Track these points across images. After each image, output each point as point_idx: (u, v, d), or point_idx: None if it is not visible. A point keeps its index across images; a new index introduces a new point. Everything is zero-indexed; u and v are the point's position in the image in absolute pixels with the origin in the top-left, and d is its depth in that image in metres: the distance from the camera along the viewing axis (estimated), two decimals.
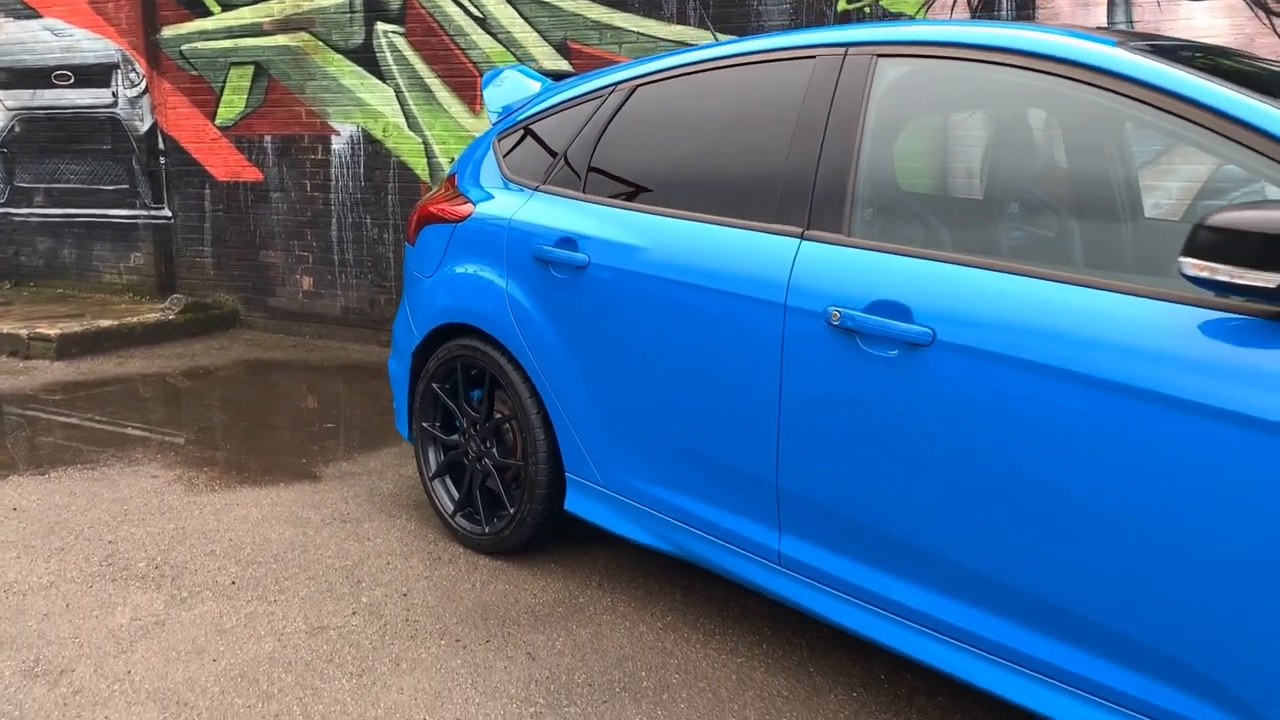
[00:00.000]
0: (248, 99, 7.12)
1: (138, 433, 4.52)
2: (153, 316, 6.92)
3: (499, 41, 6.23)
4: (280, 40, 6.93)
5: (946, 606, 2.08)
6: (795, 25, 5.50)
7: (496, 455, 3.15)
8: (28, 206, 8.31)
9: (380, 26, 6.59)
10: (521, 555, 3.16)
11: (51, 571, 3.02)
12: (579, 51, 6.02)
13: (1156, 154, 3.56)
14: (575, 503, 2.96)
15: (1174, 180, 3.76)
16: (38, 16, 7.92)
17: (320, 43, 6.79)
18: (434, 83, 6.46)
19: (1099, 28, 2.40)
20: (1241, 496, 1.66)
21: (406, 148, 6.56)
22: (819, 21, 5.47)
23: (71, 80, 7.88)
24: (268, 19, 6.94)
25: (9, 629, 2.64)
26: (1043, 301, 1.91)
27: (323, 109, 6.83)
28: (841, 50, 2.42)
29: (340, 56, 6.75)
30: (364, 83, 6.67)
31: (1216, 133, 1.83)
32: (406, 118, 6.55)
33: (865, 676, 2.47)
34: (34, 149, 8.16)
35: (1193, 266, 1.64)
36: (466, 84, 6.32)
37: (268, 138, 7.09)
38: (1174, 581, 1.75)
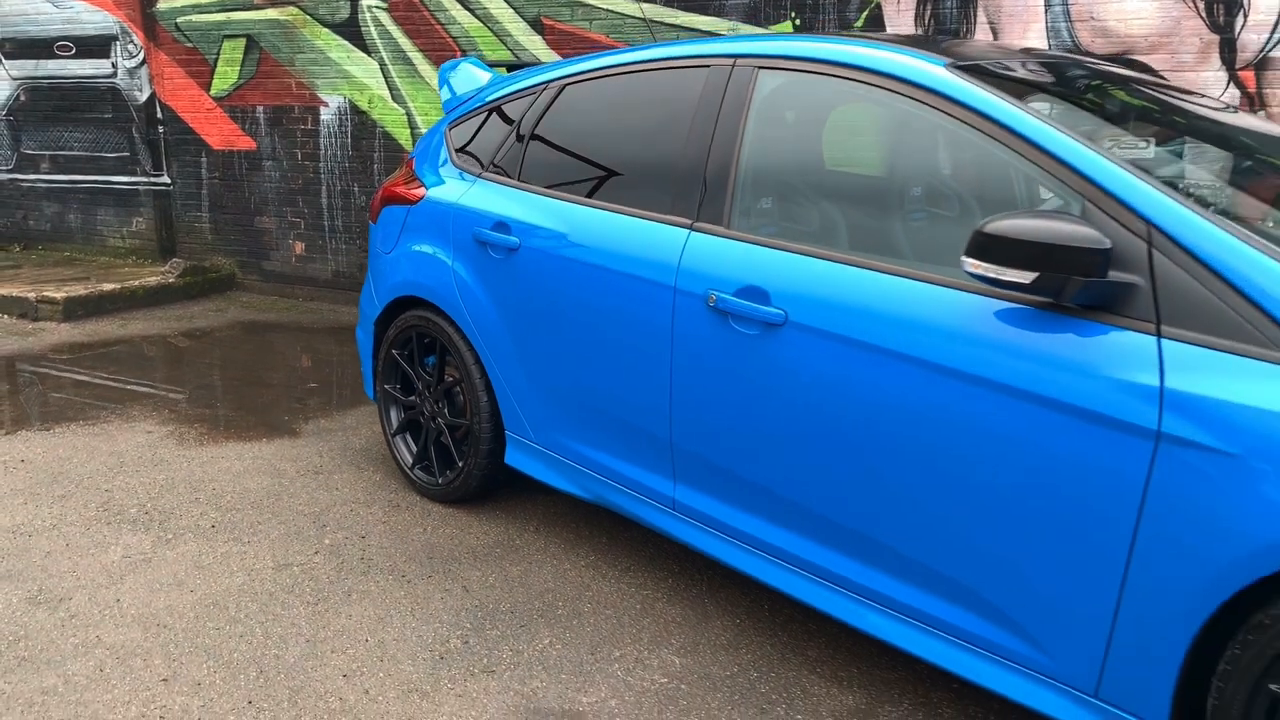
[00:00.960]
0: (240, 71, 7.44)
1: (136, 391, 4.92)
2: (153, 280, 7.30)
3: (476, 17, 6.52)
4: (270, 14, 7.22)
5: (799, 544, 2.46)
6: (755, 11, 5.79)
7: (448, 415, 3.53)
8: (34, 172, 8.67)
9: (365, 1, 6.88)
10: (470, 503, 3.55)
11: (54, 515, 3.42)
12: (552, 27, 6.31)
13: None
14: (513, 458, 3.34)
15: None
16: None
17: (308, 17, 7.09)
18: (416, 56, 6.76)
19: (951, 45, 2.71)
20: (1009, 454, 2.02)
21: (391, 119, 6.88)
22: (777, 7, 5.75)
23: (73, 51, 8.20)
24: None
25: (16, 564, 3.06)
26: (869, 289, 2.26)
27: (311, 81, 7.14)
28: (731, 61, 2.75)
29: (327, 30, 7.05)
30: (350, 56, 6.97)
31: (1003, 144, 2.16)
32: (390, 90, 6.85)
33: (751, 607, 2.86)
34: (39, 117, 8.50)
35: (971, 265, 1.99)
36: (446, 57, 6.61)
37: (260, 108, 7.41)
38: (963, 523, 2.12)
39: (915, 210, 2.43)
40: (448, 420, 3.53)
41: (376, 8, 6.85)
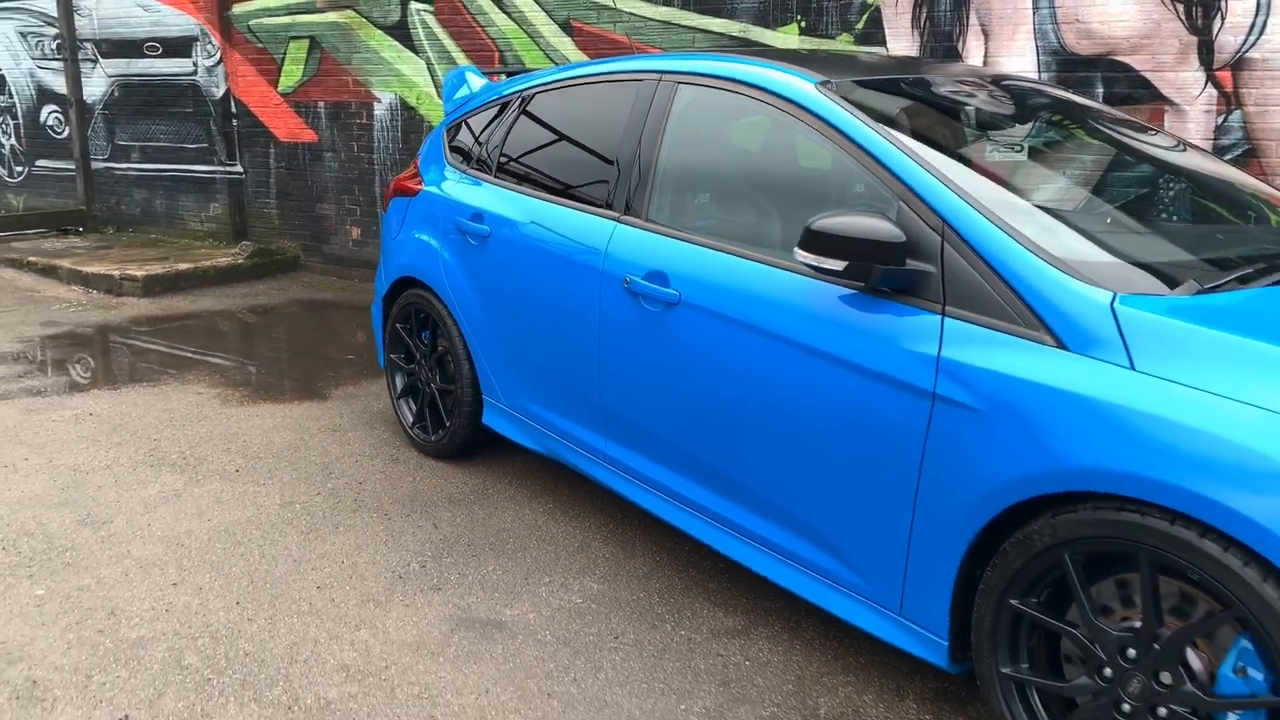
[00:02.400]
0: (304, 69, 8.10)
1: (195, 358, 5.58)
2: (224, 261, 8.03)
3: (513, 20, 7.03)
4: (330, 17, 7.85)
5: (690, 487, 2.90)
6: (764, 14, 6.17)
7: (439, 381, 4.05)
8: (126, 162, 9.52)
9: (414, 5, 7.45)
10: (458, 458, 4.07)
11: (109, 458, 4.05)
12: (580, 30, 6.79)
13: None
14: (489, 418, 3.84)
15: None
16: None
17: (364, 19, 7.70)
18: (459, 56, 7.30)
19: (844, 63, 3.09)
20: (832, 410, 2.43)
21: (436, 114, 7.44)
22: (784, 10, 6.13)
23: (160, 51, 8.98)
24: None
25: (73, 495, 3.68)
26: (739, 273, 2.68)
27: (366, 79, 7.75)
28: (658, 77, 3.19)
29: (380, 32, 7.65)
30: (400, 55, 7.56)
31: (846, 151, 2.55)
32: (436, 87, 7.41)
33: (673, 549, 3.31)
34: (130, 111, 9.33)
35: (800, 255, 2.40)
36: (486, 58, 7.15)
37: (321, 104, 8.07)
38: (800, 467, 2.54)
39: (782, 206, 2.83)
40: (439, 386, 4.04)
41: (424, 11, 7.41)
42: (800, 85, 2.74)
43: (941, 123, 2.88)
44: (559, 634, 2.79)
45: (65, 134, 9.79)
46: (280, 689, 2.51)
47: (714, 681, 2.58)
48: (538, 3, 6.90)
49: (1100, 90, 5.40)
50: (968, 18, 5.69)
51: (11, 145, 10.50)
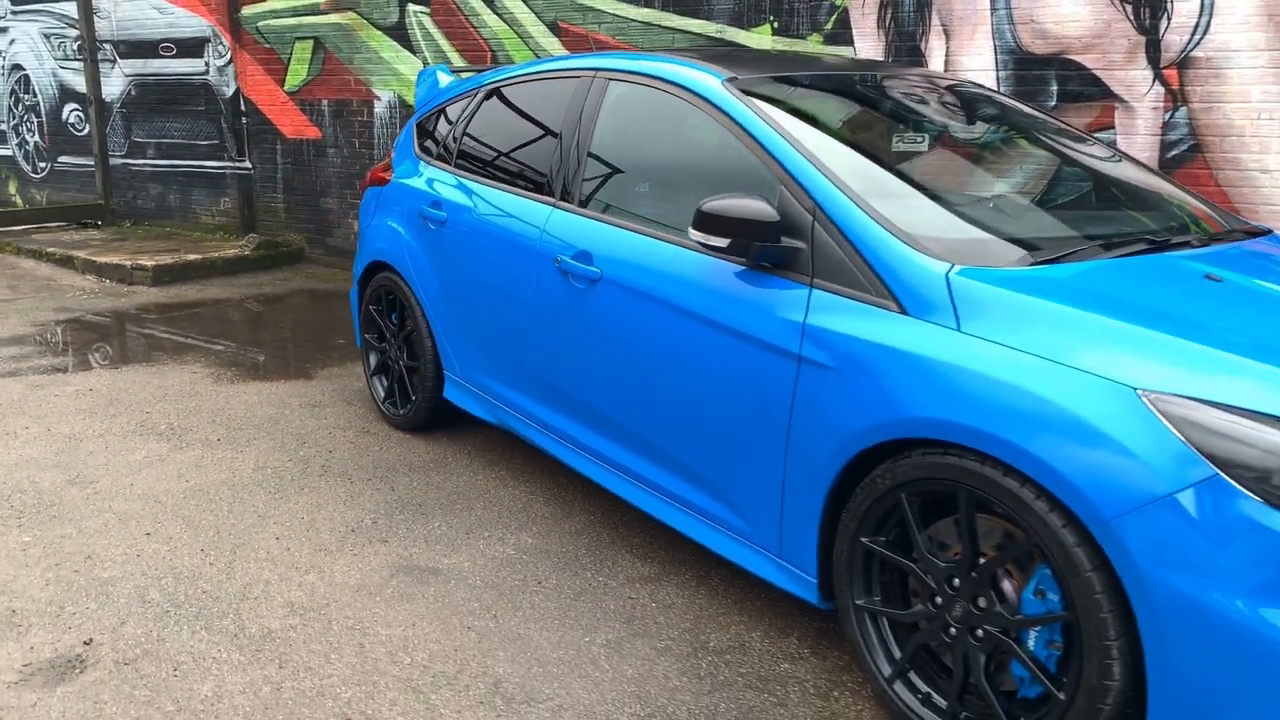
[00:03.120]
0: (309, 68, 8.44)
1: (194, 342, 5.92)
2: (232, 252, 8.39)
3: (504, 20, 7.33)
4: (334, 18, 8.19)
5: (610, 446, 3.18)
6: (739, 15, 6.43)
7: (406, 359, 4.35)
8: (142, 158, 9.92)
9: (411, 7, 7.77)
10: (425, 431, 4.36)
11: (103, 428, 4.38)
12: (566, 30, 7.07)
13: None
14: (449, 392, 4.13)
15: None
16: None
17: (365, 20, 8.03)
18: (453, 56, 7.61)
19: (749, 59, 3.35)
20: (721, 372, 2.70)
21: None
22: (758, 11, 6.38)
23: (174, 51, 9.37)
24: (323, 0, 8.21)
25: (65, 459, 4.01)
26: (647, 251, 2.96)
27: (367, 78, 8.08)
28: (594, 73, 3.46)
29: (380, 33, 7.98)
30: (398, 55, 7.88)
31: (742, 140, 2.82)
32: None
33: (608, 510, 3.58)
34: (145, 110, 9.72)
35: (693, 234, 2.67)
36: (478, 57, 7.45)
37: (324, 101, 8.41)
38: (696, 423, 2.80)
39: (691, 190, 3.09)
40: (406, 363, 4.34)
41: (420, 12, 7.73)
42: (708, 81, 3.01)
43: (833, 115, 3.13)
44: (488, 579, 3.07)
45: (85, 131, 10.20)
46: (230, 620, 2.81)
47: (620, 619, 2.85)
48: (527, 4, 7.20)
49: (1054, 88, 5.62)
50: (930, 19, 5.92)
51: (35, 142, 10.95)
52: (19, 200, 11.32)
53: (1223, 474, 1.82)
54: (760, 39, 6.36)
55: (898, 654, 2.38)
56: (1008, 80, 5.73)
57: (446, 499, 3.68)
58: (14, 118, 11.12)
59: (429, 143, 4.28)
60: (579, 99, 3.47)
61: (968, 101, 3.47)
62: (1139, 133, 5.47)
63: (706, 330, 2.74)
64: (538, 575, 3.11)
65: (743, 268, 2.69)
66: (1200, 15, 5.20)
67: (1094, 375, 2.00)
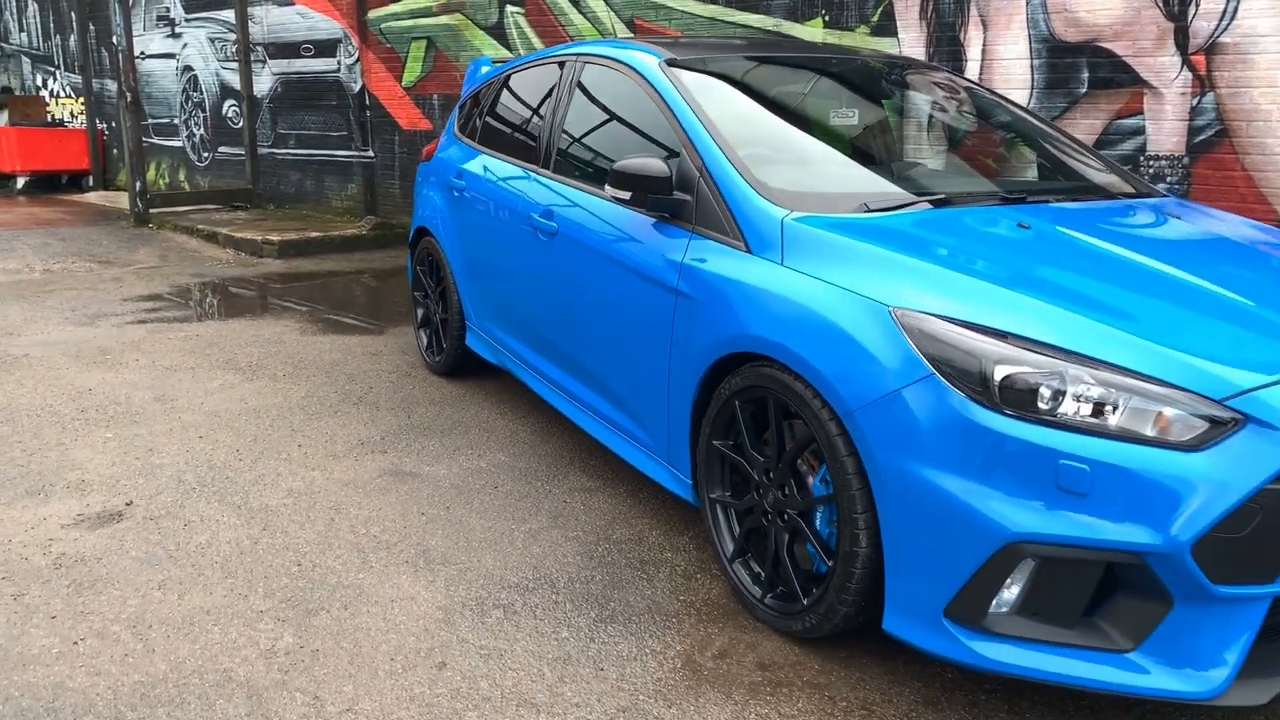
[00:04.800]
0: (423, 65, 9.29)
1: (296, 304, 6.78)
2: (350, 231, 9.34)
3: (586, 19, 7.94)
4: (443, 20, 9.01)
5: (563, 377, 3.71)
6: (794, 9, 6.82)
7: (441, 312, 5.00)
8: (285, 148, 11.06)
9: (509, 9, 8.49)
10: (454, 375, 5.00)
11: (195, 363, 5.22)
12: (642, 26, 7.62)
13: None
14: (469, 340, 4.75)
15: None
16: (291, 4, 10.52)
17: (469, 21, 8.80)
18: None
19: (702, 45, 3.79)
20: (629, 305, 3.18)
21: None
22: (810, 5, 6.76)
23: (312, 52, 10.44)
24: (435, 3, 9.04)
25: (158, 383, 4.84)
26: (589, 206, 3.47)
27: None
28: (576, 57, 4.00)
29: (482, 32, 8.74)
30: (497, 52, 8.60)
31: (664, 112, 3.29)
32: None
33: (581, 437, 4.11)
34: (288, 105, 10.85)
35: (608, 190, 3.16)
36: None
37: (435, 96, 9.24)
38: (612, 349, 3.30)
39: (630, 153, 3.58)
40: (441, 316, 4.99)
41: (516, 13, 8.44)
42: (648, 61, 3.50)
43: (746, 91, 3.55)
44: (455, 483, 3.66)
45: (240, 125, 11.44)
46: (239, 497, 3.50)
47: (548, 515, 3.38)
48: (607, 3, 7.78)
49: (1086, 75, 5.78)
50: (969, 10, 6.16)
51: (201, 134, 12.32)
52: (186, 185, 12.75)
53: (937, 373, 2.19)
54: (813, 31, 6.73)
55: (733, 539, 2.82)
56: (1041, 68, 5.91)
57: (449, 425, 4.29)
58: (184, 113, 12.54)
59: (463, 122, 4.92)
60: (563, 79, 4.01)
61: (888, 77, 3.83)
62: (1167, 118, 5.57)
63: (623, 272, 3.24)
64: (496, 482, 3.67)
65: (655, 219, 3.17)
66: (1228, 1, 5.27)
67: (862, 296, 2.40)
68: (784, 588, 2.65)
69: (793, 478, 2.59)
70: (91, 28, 13.54)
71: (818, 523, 2.54)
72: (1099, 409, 2.08)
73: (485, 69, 5.20)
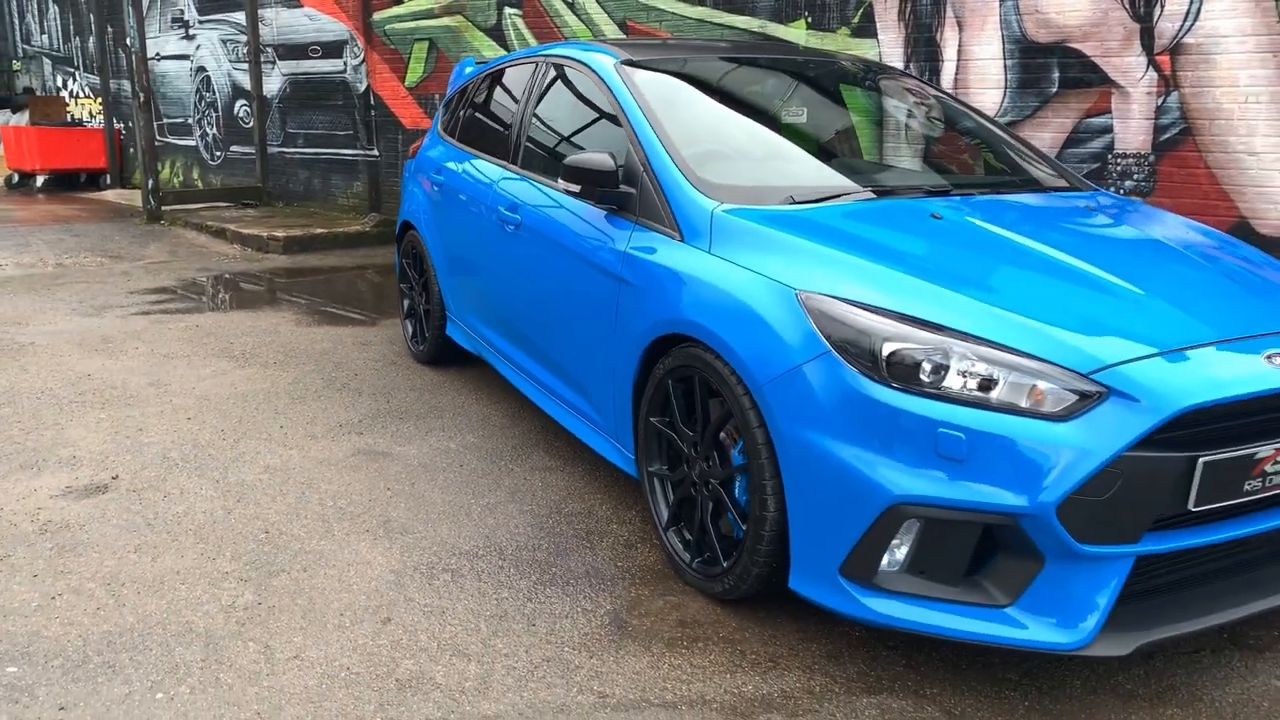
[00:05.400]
0: (425, 66, 9.52)
1: (296, 297, 7.02)
2: (355, 228, 9.58)
3: (581, 21, 8.14)
4: (444, 21, 9.24)
5: (529, 362, 3.91)
6: (779, 11, 7.00)
7: (424, 303, 5.21)
8: (293, 147, 11.32)
9: (507, 10, 8.71)
10: (437, 364, 5.20)
11: (191, 350, 5.46)
12: (634, 28, 7.82)
13: None
14: (450, 330, 4.96)
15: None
16: (299, 6, 10.78)
17: (469, 23, 9.03)
18: None
19: (658, 46, 3.98)
20: (580, 291, 3.38)
21: None
22: (794, 7, 6.94)
23: (320, 53, 10.69)
24: (437, 5, 9.27)
25: (155, 368, 5.08)
26: (546, 198, 3.67)
27: None
28: (544, 58, 4.20)
29: (482, 34, 8.96)
30: (496, 53, 8.81)
31: (615, 111, 3.48)
32: None
33: (549, 422, 4.31)
34: (297, 105, 11.12)
35: (560, 183, 3.36)
36: None
37: (436, 95, 9.46)
38: (567, 334, 3.50)
39: (588, 149, 3.77)
40: (424, 307, 5.21)
41: (514, 15, 8.65)
42: (604, 61, 3.70)
43: (695, 90, 3.73)
44: (423, 461, 3.87)
45: (251, 124, 11.71)
46: (219, 473, 3.72)
47: (506, 491, 3.58)
48: (601, 6, 7.98)
49: (1056, 75, 5.93)
50: (945, 12, 6.32)
51: (213, 134, 12.61)
52: (200, 183, 13.06)
53: (833, 350, 2.38)
54: (797, 33, 6.91)
55: (668, 508, 3.01)
56: (1014, 69, 6.07)
57: (425, 409, 4.50)
58: (198, 113, 12.84)
59: (445, 120, 5.13)
60: (532, 80, 4.22)
61: (839, 77, 4.01)
62: (1134, 117, 5.72)
63: (577, 261, 3.43)
64: (462, 461, 3.88)
65: (606, 212, 3.37)
66: (1191, 2, 5.42)
67: (774, 281, 2.58)
68: (709, 553, 2.84)
69: (716, 450, 2.78)
70: (109, 30, 13.86)
71: (736, 492, 2.72)
72: (979, 383, 2.25)
73: (469, 69, 5.41)
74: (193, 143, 13.13)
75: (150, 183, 10.60)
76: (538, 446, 4.04)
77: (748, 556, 2.61)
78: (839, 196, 3.05)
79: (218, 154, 12.59)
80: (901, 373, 2.29)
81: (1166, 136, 5.60)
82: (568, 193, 3.37)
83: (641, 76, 3.58)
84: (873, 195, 3.09)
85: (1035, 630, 2.25)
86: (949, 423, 2.22)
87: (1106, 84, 5.76)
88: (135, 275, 7.76)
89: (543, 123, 4.06)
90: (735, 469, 2.71)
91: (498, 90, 4.61)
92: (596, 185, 3.23)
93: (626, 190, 3.24)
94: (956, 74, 6.30)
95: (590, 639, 2.61)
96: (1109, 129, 5.79)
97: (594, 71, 3.72)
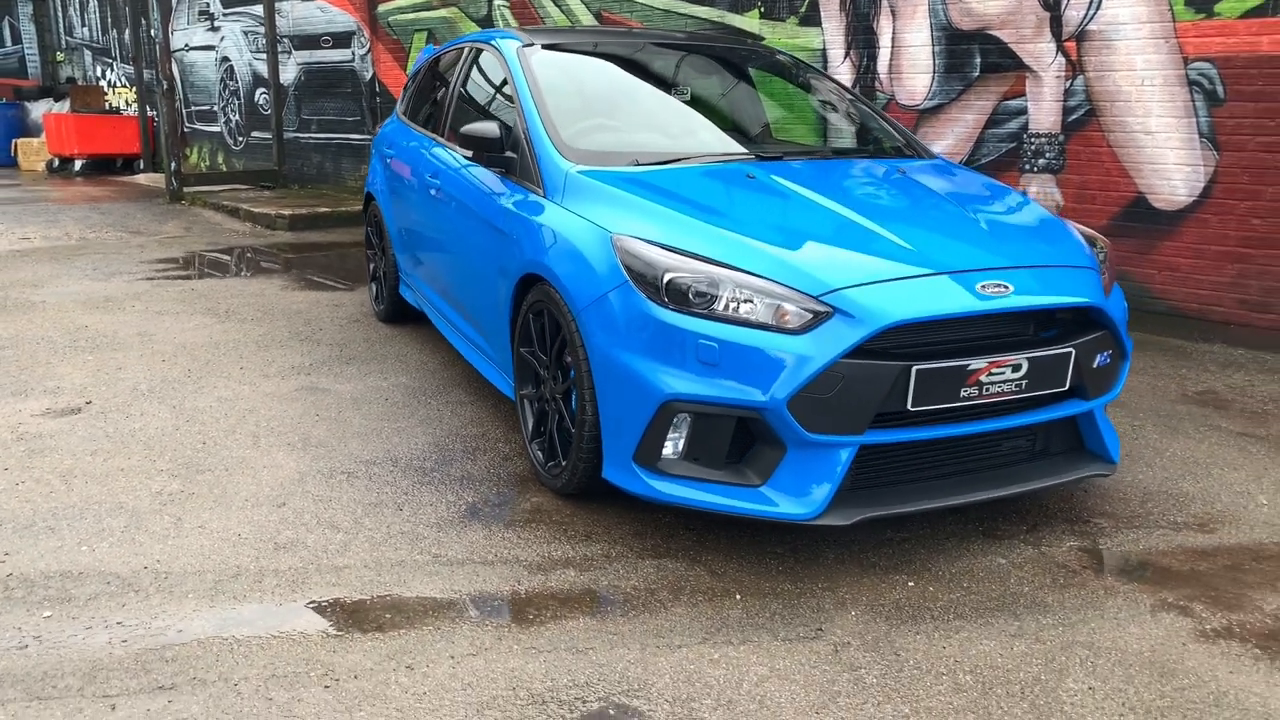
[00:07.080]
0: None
1: (289, 268, 7.65)
2: (356, 207, 10.21)
3: (561, 11, 8.69)
4: (441, 13, 9.83)
5: (449, 310, 4.47)
6: (736, 2, 7.48)
7: (384, 266, 5.80)
8: (308, 133, 12.00)
9: (495, 1, 9.27)
10: (394, 321, 5.78)
11: (181, 309, 6.10)
12: (608, 18, 8.35)
13: None
14: (401, 289, 5.54)
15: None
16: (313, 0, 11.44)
17: (462, 14, 9.61)
18: None
19: (564, 32, 4.51)
20: (478, 244, 3.93)
21: None
22: None
23: (331, 44, 11.34)
24: None
25: (144, 321, 5.72)
26: (458, 164, 4.22)
27: None
28: (472, 45, 4.75)
29: (474, 24, 9.53)
30: None
31: (511, 88, 4.02)
32: None
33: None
34: (310, 92, 11.79)
35: (459, 151, 3.91)
36: None
37: None
38: (470, 282, 4.05)
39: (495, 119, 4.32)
40: (382, 270, 5.79)
41: (502, 5, 9.22)
42: (509, 45, 4.24)
43: (584, 70, 4.26)
44: (355, 396, 4.45)
45: (269, 111, 12.41)
46: (177, 400, 4.33)
47: (419, 419, 4.15)
48: None
49: (978, 60, 6.35)
50: (881, 2, 6.76)
51: (236, 120, 13.34)
52: (224, 167, 13.80)
53: (630, 280, 2.90)
54: (750, 22, 7.39)
55: (532, 422, 3.56)
56: (941, 54, 6.51)
57: (371, 356, 5.09)
58: (222, 100, 13.58)
59: (403, 101, 5.71)
60: (462, 62, 4.78)
61: (726, 58, 4.53)
62: (1045, 100, 6.14)
63: (475, 219, 3.99)
64: (389, 396, 4.45)
65: (497, 174, 3.91)
66: None
67: (598, 226, 3.11)
68: (556, 457, 3.38)
69: (560, 370, 3.32)
70: (143, 23, 14.65)
71: (573, 403, 3.26)
72: (737, 305, 2.77)
73: (427, 56, 5.98)
74: (218, 129, 13.87)
75: (173, 165, 11.34)
76: (459, 386, 4.60)
77: (575, 453, 3.15)
78: (678, 161, 3.57)
79: (240, 139, 13.32)
80: (677, 296, 2.81)
81: (1074, 118, 6.02)
82: (466, 158, 3.92)
83: (539, 58, 4.12)
84: (709, 160, 3.60)
85: (783, 505, 2.76)
86: (706, 335, 2.74)
87: (1021, 69, 6.18)
88: (149, 248, 8.45)
89: (464, 100, 4.62)
90: (569, 382, 3.25)
91: (437, 73, 5.17)
92: (485, 151, 3.78)
93: (510, 155, 3.78)
94: (891, 60, 6.75)
95: (444, 521, 3.17)
96: (1024, 111, 6.22)
97: (500, 54, 4.26)
